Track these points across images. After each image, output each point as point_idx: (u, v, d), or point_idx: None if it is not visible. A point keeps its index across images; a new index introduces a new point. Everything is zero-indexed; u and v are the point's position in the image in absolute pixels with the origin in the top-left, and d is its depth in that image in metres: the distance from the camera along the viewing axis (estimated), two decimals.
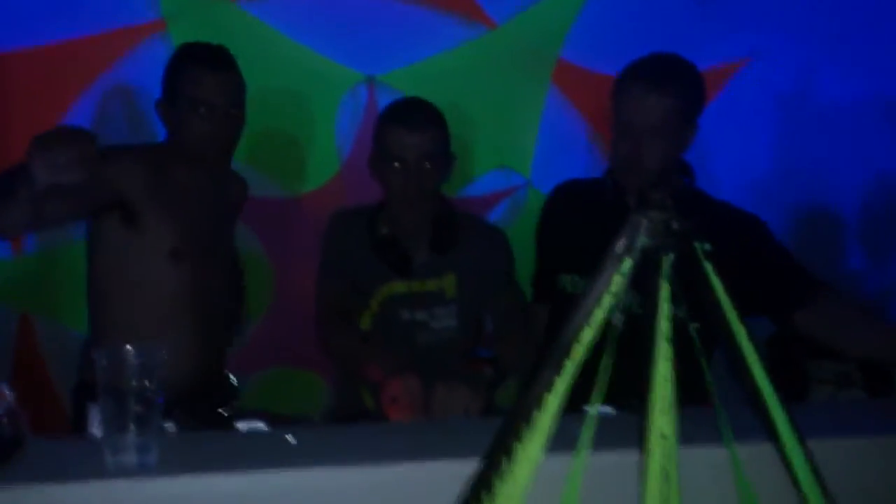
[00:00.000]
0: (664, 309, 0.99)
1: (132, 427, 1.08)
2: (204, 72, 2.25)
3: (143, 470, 1.10)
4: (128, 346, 1.11)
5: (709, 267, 1.01)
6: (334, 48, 3.09)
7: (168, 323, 2.23)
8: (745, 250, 2.03)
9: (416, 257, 2.27)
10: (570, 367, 0.98)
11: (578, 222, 2.28)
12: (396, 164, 2.20)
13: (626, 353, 0.97)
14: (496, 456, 0.98)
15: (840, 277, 3.44)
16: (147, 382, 1.08)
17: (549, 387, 0.98)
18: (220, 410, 2.27)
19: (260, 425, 1.61)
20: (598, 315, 0.98)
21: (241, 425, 1.61)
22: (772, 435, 1.05)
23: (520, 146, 3.32)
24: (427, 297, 2.26)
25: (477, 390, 1.85)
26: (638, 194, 2.12)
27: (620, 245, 0.99)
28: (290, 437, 1.25)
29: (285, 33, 3.06)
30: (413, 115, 2.25)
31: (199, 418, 1.87)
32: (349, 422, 1.87)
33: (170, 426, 1.58)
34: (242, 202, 2.59)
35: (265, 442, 1.29)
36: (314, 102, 3.12)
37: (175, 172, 2.30)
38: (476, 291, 2.29)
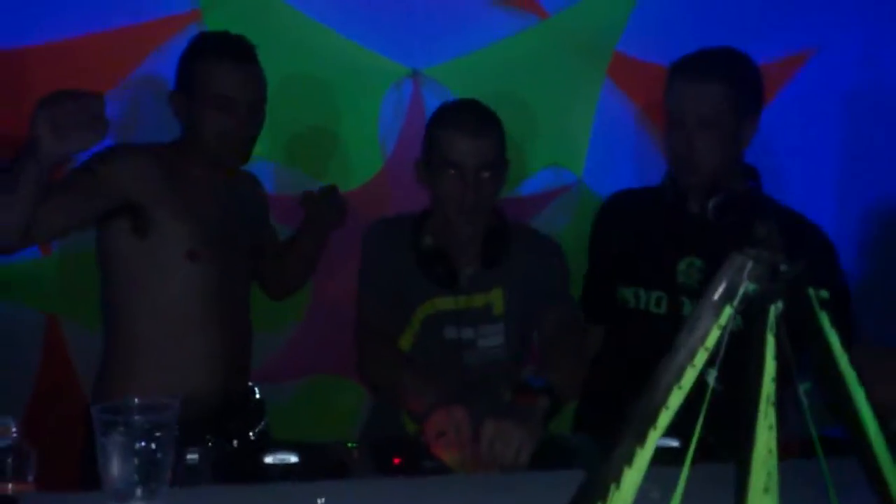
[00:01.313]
0: (769, 367, 0.83)
1: (137, 490, 0.95)
2: (223, 64, 2.14)
3: None
4: (134, 401, 0.97)
5: (825, 318, 0.85)
6: (377, 40, 2.94)
7: (187, 332, 2.11)
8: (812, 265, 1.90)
9: (463, 270, 2.12)
10: (655, 437, 0.82)
11: (636, 232, 2.17)
12: (452, 172, 2.05)
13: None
14: None
15: None
16: (153, 444, 0.94)
17: (629, 459, 0.82)
18: (249, 436, 2.13)
19: (290, 458, 1.49)
20: (690, 374, 0.82)
21: (270, 458, 1.48)
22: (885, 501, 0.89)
23: (573, 143, 3.15)
24: (474, 313, 2.11)
25: (531, 429, 1.69)
26: (702, 198, 2.09)
27: (719, 290, 0.83)
28: (321, 501, 1.11)
29: (326, 24, 2.91)
30: (472, 119, 2.11)
31: (225, 440, 1.74)
32: (389, 448, 1.71)
33: (192, 458, 1.45)
34: (263, 201, 2.47)
35: (294, 502, 1.14)
36: (356, 97, 2.97)
37: (189, 171, 2.18)
38: (526, 307, 2.13)
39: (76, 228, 2.07)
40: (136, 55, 2.82)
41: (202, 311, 2.13)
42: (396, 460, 1.63)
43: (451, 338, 2.10)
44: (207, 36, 2.33)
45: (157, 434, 0.96)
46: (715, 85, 2.00)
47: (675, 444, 1.58)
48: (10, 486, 1.24)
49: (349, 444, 1.64)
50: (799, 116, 3.24)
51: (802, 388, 0.85)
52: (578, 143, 3.13)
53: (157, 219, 2.08)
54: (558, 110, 3.11)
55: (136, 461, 0.94)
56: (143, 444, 0.94)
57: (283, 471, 1.44)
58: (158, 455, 0.96)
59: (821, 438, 0.91)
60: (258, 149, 2.32)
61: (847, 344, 0.83)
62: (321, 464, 1.52)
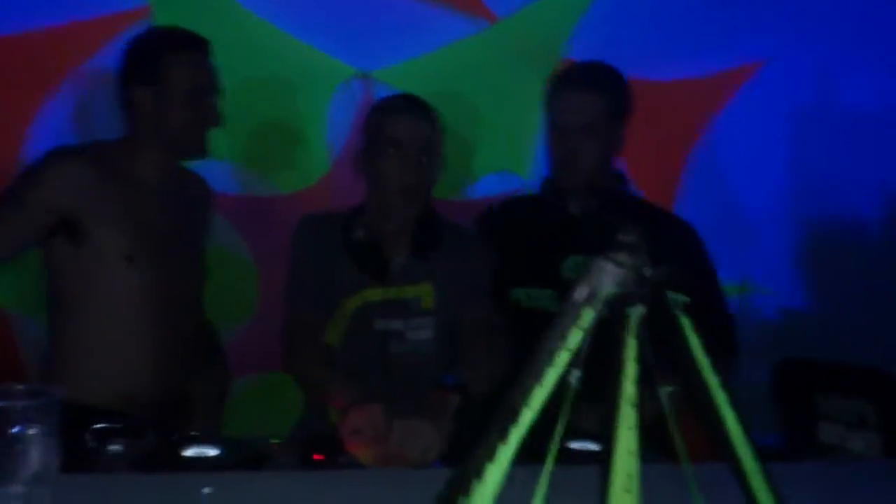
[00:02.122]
0: (630, 370, 0.85)
1: (22, 478, 0.96)
2: (190, 55, 2.18)
3: None
4: (18, 387, 0.98)
5: (686, 322, 0.87)
6: (327, 41, 2.96)
7: (127, 332, 2.12)
8: (681, 262, 2.16)
9: (394, 261, 2.15)
10: (517, 435, 0.84)
11: (521, 236, 2.32)
12: (392, 151, 2.11)
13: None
14: None
15: (860, 294, 3.28)
16: (38, 428, 0.96)
17: (491, 456, 0.84)
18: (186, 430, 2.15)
19: (209, 451, 1.50)
20: (552, 374, 0.84)
21: (190, 451, 1.49)
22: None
23: (520, 147, 3.17)
24: (403, 305, 2.14)
25: (440, 427, 1.72)
26: (581, 200, 2.20)
27: (581, 292, 0.85)
28: (207, 490, 1.12)
29: (276, 24, 2.92)
30: (412, 105, 2.21)
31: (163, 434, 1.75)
32: (311, 445, 1.73)
33: (115, 448, 1.47)
34: (208, 200, 2.46)
35: (177, 491, 1.16)
36: (305, 97, 2.99)
37: (133, 170, 2.19)
38: (454, 304, 2.15)
39: (15, 255, 2.13)
40: (86, 50, 2.83)
41: (142, 312, 2.15)
42: (316, 456, 1.65)
43: (381, 329, 2.12)
44: (161, 29, 2.36)
45: (36, 419, 0.97)
46: (594, 95, 2.22)
47: (594, 447, 1.62)
48: None
49: (273, 440, 1.66)
50: (747, 127, 3.28)
51: (664, 391, 0.88)
52: (525, 148, 3.15)
53: (93, 227, 2.09)
54: (506, 115, 3.13)
55: (19, 446, 0.95)
56: (24, 428, 0.96)
57: (203, 464, 1.46)
58: (44, 441, 0.97)
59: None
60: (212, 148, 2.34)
61: (708, 346, 0.85)
62: (241, 457, 1.53)
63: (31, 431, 0.96)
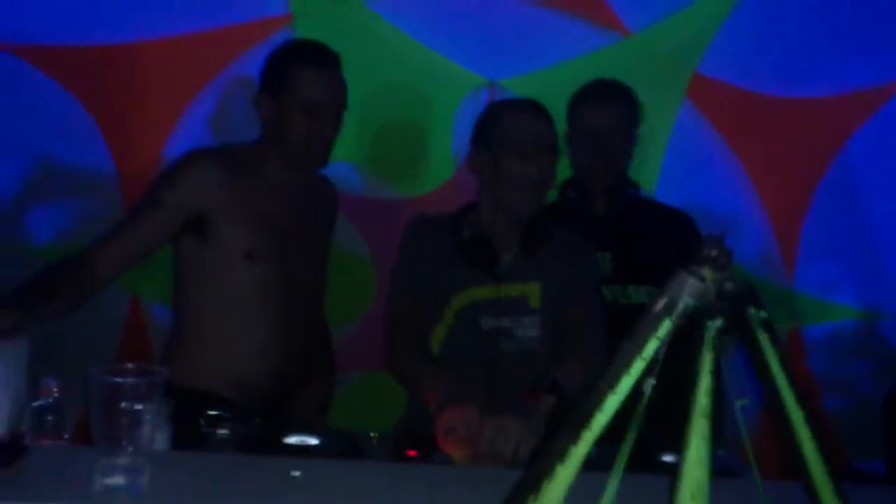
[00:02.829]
0: (705, 382, 0.86)
1: (126, 449, 1.04)
2: (311, 70, 2.26)
3: (131, 494, 1.06)
4: (127, 366, 1.07)
5: (765, 337, 0.88)
6: (458, 50, 3.02)
7: (246, 326, 2.22)
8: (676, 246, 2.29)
9: (503, 258, 2.18)
10: (589, 438, 0.87)
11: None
12: (518, 150, 2.16)
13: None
14: None
15: None
16: (141, 406, 1.04)
17: (562, 456, 0.87)
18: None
19: (310, 440, 1.57)
20: (626, 382, 0.86)
21: (291, 439, 1.56)
22: None
23: (647, 161, 3.15)
24: (511, 303, 2.16)
25: (531, 426, 1.74)
26: (604, 202, 2.47)
27: (660, 303, 0.87)
28: (296, 473, 1.19)
29: (410, 33, 3.01)
30: (534, 106, 2.28)
31: (256, 431, 1.84)
32: (407, 441, 1.78)
33: (223, 432, 1.55)
34: (335, 206, 2.55)
35: (268, 473, 1.22)
36: (434, 105, 3.06)
37: (263, 172, 2.29)
38: (560, 303, 2.17)
39: (154, 251, 2.26)
40: (229, 55, 2.97)
41: (260, 307, 2.24)
42: (410, 452, 1.70)
43: (488, 327, 2.15)
44: (294, 43, 2.45)
45: (142, 396, 1.06)
46: (617, 107, 2.56)
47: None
48: (47, 441, 1.37)
49: (371, 434, 1.71)
50: (884, 149, 3.17)
51: (739, 405, 0.89)
52: (652, 162, 3.13)
53: (218, 224, 2.20)
54: None
55: (125, 419, 1.04)
56: (130, 403, 1.04)
57: (302, 451, 1.53)
58: (143, 415, 1.06)
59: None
60: (339, 151, 2.42)
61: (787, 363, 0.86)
62: (339, 448, 1.59)
63: (138, 407, 1.04)
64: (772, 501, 0.90)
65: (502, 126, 2.21)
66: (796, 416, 0.88)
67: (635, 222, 2.52)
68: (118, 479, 1.06)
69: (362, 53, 2.77)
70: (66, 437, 1.38)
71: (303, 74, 2.24)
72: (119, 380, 1.06)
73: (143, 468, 1.08)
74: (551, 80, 3.04)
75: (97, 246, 2.17)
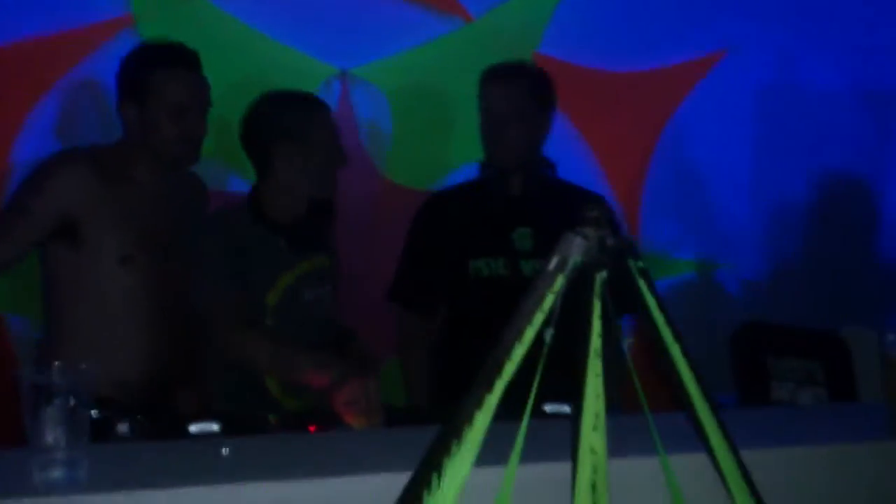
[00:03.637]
0: (595, 326, 0.98)
1: (60, 443, 1.08)
2: (178, 74, 2.27)
3: (70, 486, 1.10)
4: (55, 365, 1.11)
5: (643, 284, 1.01)
6: (306, 41, 3.06)
7: (122, 329, 2.22)
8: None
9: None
10: (500, 385, 0.97)
11: (472, 216, 2.61)
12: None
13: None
14: (426, 472, 0.97)
15: (810, 265, 3.46)
16: (73, 400, 1.08)
17: (479, 404, 0.97)
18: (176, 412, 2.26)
19: (213, 427, 1.62)
20: (530, 333, 0.97)
21: (194, 427, 1.61)
22: (705, 446, 1.05)
23: None
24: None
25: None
26: (519, 181, 2.53)
27: (553, 262, 0.99)
28: (224, 450, 1.25)
29: (256, 27, 3.03)
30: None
31: (153, 420, 1.87)
32: (305, 419, 1.87)
33: (123, 428, 1.59)
34: (204, 201, 2.56)
35: (198, 454, 1.29)
36: None
37: (130, 174, 2.28)
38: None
39: (19, 260, 2.24)
40: (70, 59, 2.91)
41: (137, 310, 2.25)
42: (312, 428, 1.78)
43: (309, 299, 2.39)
44: (151, 45, 2.43)
45: (76, 392, 1.10)
46: (521, 85, 2.57)
47: (566, 409, 1.76)
48: None
49: (269, 416, 1.78)
50: (712, 115, 3.43)
51: (625, 343, 1.02)
52: None
53: (90, 230, 2.19)
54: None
55: (58, 416, 1.08)
56: (63, 400, 1.08)
57: (206, 438, 1.58)
58: (78, 410, 1.10)
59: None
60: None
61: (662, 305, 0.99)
62: (242, 432, 1.65)
63: (70, 402, 1.08)
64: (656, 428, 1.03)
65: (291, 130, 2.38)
66: (674, 350, 1.02)
67: (552, 200, 2.58)
68: (57, 473, 1.09)
69: (210, 50, 2.76)
70: None
71: (166, 77, 2.24)
72: (49, 378, 1.10)
73: (80, 461, 1.11)
74: (401, 67, 3.15)
75: None
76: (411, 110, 3.19)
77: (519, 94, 2.57)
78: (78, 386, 1.10)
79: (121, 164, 2.28)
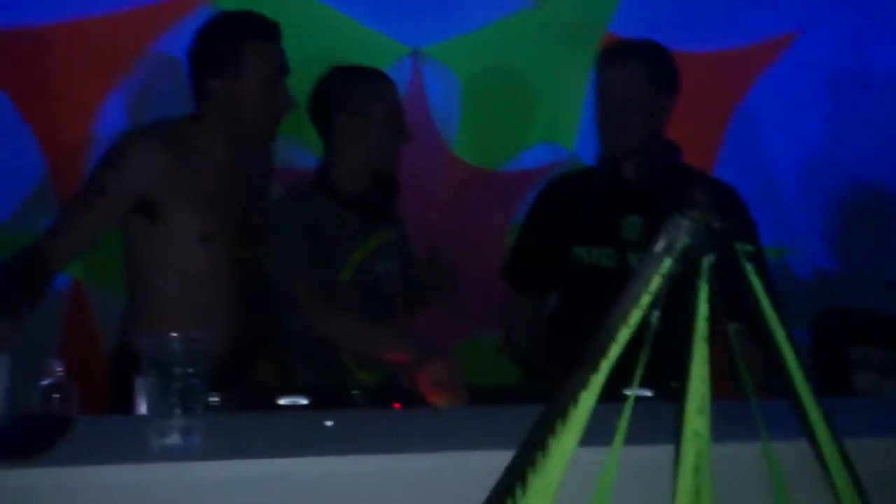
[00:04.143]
0: (702, 309, 0.99)
1: (177, 411, 1.12)
2: (266, 44, 2.23)
3: (187, 452, 1.14)
4: (172, 334, 1.14)
5: (749, 268, 1.01)
6: (379, 20, 3.07)
7: (202, 303, 2.24)
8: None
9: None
10: (606, 366, 0.98)
11: (582, 201, 2.46)
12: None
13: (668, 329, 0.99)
14: (531, 450, 0.99)
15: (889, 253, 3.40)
16: (190, 368, 1.11)
17: (585, 384, 0.99)
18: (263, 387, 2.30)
19: (301, 401, 1.65)
20: (636, 314, 0.98)
21: (283, 401, 1.65)
22: (808, 434, 1.05)
23: (565, 120, 3.29)
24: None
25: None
26: (634, 166, 2.38)
27: (660, 244, 0.99)
28: (328, 423, 1.28)
29: (330, 4, 3.05)
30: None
31: (245, 396, 1.91)
32: (389, 396, 1.89)
33: (214, 400, 1.62)
34: (272, 169, 2.54)
35: (304, 425, 1.32)
36: None
37: (205, 150, 2.26)
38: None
39: (98, 239, 2.25)
40: (149, 35, 2.96)
41: (217, 285, 2.26)
42: (397, 405, 1.81)
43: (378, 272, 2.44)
44: (234, 15, 2.35)
45: (192, 361, 1.13)
46: (638, 68, 2.37)
47: (648, 394, 1.77)
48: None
49: (354, 391, 1.81)
50: (782, 97, 3.38)
51: (732, 329, 1.02)
52: (571, 120, 3.27)
53: (168, 208, 2.19)
54: (552, 88, 3.25)
55: (176, 384, 1.11)
56: (181, 368, 1.12)
57: (296, 411, 1.62)
58: (191, 378, 1.13)
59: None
60: None
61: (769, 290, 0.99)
62: (329, 406, 1.68)
63: (188, 370, 1.11)
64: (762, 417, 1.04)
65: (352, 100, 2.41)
66: (780, 334, 1.02)
67: (669, 187, 2.30)
68: (174, 439, 1.13)
69: (284, 26, 2.78)
70: (73, 413, 1.43)
71: (252, 49, 2.20)
72: (168, 347, 1.13)
73: (195, 428, 1.15)
74: (472, 46, 3.15)
75: (46, 240, 2.15)
76: (482, 89, 3.19)
77: (633, 77, 2.38)
78: (195, 354, 1.13)
79: (195, 138, 2.26)
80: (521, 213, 2.70)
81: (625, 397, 1.67)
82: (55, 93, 2.91)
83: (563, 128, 3.28)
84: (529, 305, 2.56)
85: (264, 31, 2.24)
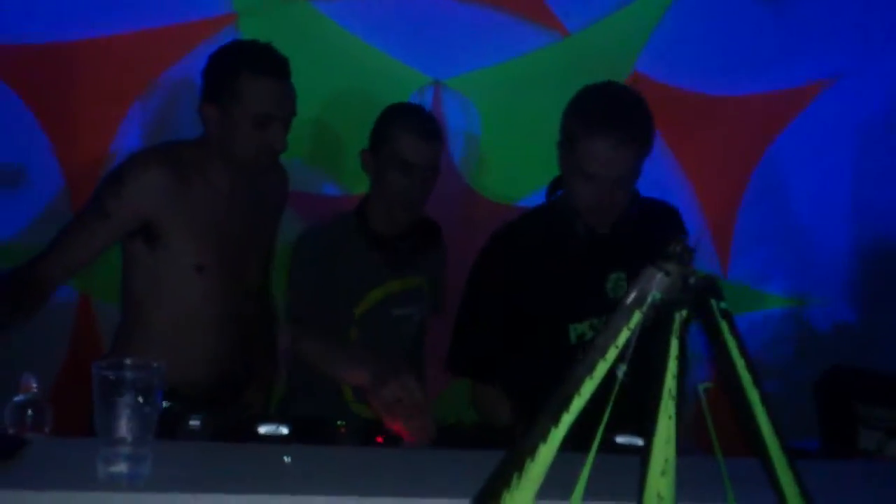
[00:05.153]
0: (672, 367, 0.95)
1: (126, 439, 1.09)
2: (266, 82, 2.18)
3: (133, 482, 1.11)
4: (126, 361, 1.12)
5: (725, 326, 0.97)
6: (402, 50, 3.07)
7: (194, 329, 2.24)
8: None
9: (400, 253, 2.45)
10: (568, 420, 0.94)
11: (558, 259, 2.21)
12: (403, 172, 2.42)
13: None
14: (484, 503, 0.95)
15: None
16: (142, 398, 1.09)
17: (545, 437, 0.95)
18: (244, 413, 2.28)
19: (282, 430, 1.63)
20: (602, 367, 0.94)
21: (263, 429, 1.62)
22: (780, 499, 1.00)
23: None
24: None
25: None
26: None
27: (631, 296, 0.96)
28: (286, 458, 1.25)
29: (354, 33, 3.05)
30: (430, 126, 2.48)
31: (226, 421, 1.88)
32: (374, 428, 1.85)
33: (195, 423, 1.60)
34: (285, 196, 2.54)
35: (261, 461, 1.29)
36: (379, 103, 3.09)
37: (208, 177, 2.26)
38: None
39: (96, 258, 2.27)
40: (172, 55, 2.97)
41: (209, 313, 2.26)
42: (379, 439, 1.76)
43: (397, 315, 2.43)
44: (240, 46, 2.34)
45: (145, 389, 1.11)
46: (631, 149, 2.09)
47: (639, 442, 1.72)
48: (28, 434, 1.40)
49: (338, 423, 1.77)
50: (813, 144, 3.32)
51: (701, 387, 0.97)
52: None
53: (167, 234, 2.19)
54: None
55: (126, 411, 1.09)
56: (132, 396, 1.09)
57: (274, 440, 1.59)
58: (143, 406, 1.11)
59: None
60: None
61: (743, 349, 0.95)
62: (310, 436, 1.65)
63: (139, 399, 1.09)
64: (731, 476, 0.99)
65: (392, 139, 2.40)
66: (753, 395, 0.97)
67: (634, 231, 2.18)
68: (121, 467, 1.11)
69: (307, 53, 2.80)
70: (46, 430, 1.41)
71: (253, 86, 2.16)
72: (120, 373, 1.11)
73: (145, 457, 1.13)
74: (494, 79, 3.13)
75: (43, 257, 2.16)
76: (503, 123, 3.18)
77: (627, 156, 2.09)
78: (148, 382, 1.11)
79: (199, 163, 2.25)
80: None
81: (614, 445, 1.64)
82: (77, 109, 2.94)
83: None
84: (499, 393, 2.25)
85: (264, 65, 2.20)
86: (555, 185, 2.29)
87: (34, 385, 1.41)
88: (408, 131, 2.39)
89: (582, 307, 2.17)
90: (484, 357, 2.24)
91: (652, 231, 2.15)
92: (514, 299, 2.20)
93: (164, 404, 1.50)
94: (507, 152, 3.19)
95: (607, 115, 2.10)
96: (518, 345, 2.20)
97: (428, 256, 2.51)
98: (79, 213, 2.29)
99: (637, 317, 0.95)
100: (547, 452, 0.94)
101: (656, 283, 0.95)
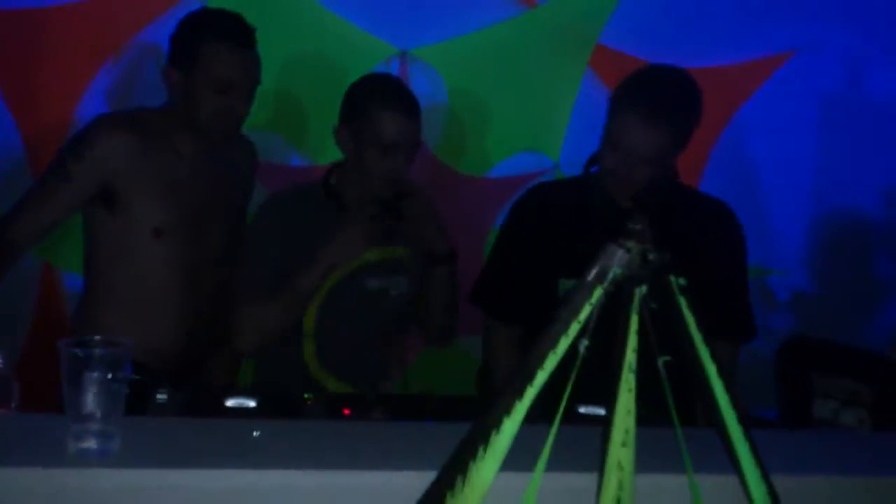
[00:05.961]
0: (632, 341, 0.98)
1: (95, 415, 1.10)
2: (225, 47, 2.18)
3: (103, 458, 1.12)
4: (95, 338, 1.13)
5: (683, 301, 1.00)
6: (369, 20, 3.06)
7: (155, 297, 2.23)
8: (714, 249, 2.23)
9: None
10: (531, 393, 0.97)
11: (571, 225, 2.23)
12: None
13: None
14: (451, 474, 0.98)
15: (868, 285, 3.39)
16: (111, 374, 1.10)
17: (508, 410, 0.97)
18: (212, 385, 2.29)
19: (249, 402, 1.64)
20: (564, 342, 0.97)
21: (231, 402, 1.63)
22: (736, 469, 1.04)
23: (551, 129, 3.27)
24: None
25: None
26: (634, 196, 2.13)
27: (592, 273, 0.98)
28: (255, 433, 1.27)
29: (321, 3, 3.04)
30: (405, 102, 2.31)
31: (192, 391, 1.89)
32: (341, 401, 1.87)
33: (161, 397, 1.61)
34: (252, 167, 2.52)
35: (230, 434, 1.30)
36: (345, 73, 3.08)
37: (171, 144, 2.25)
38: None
39: (59, 224, 2.26)
40: (137, 22, 2.95)
41: (170, 280, 2.25)
42: (346, 411, 1.79)
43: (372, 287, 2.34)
44: (206, 14, 2.37)
45: (113, 366, 1.12)
46: (663, 132, 2.09)
47: (601, 412, 1.76)
48: None
49: (305, 395, 1.79)
50: (775, 116, 3.36)
51: (661, 361, 1.00)
52: (557, 130, 3.25)
53: (126, 198, 2.18)
54: (539, 96, 3.23)
55: (94, 388, 1.10)
56: (100, 373, 1.10)
57: (242, 413, 1.60)
58: (114, 385, 1.12)
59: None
60: (255, 118, 2.40)
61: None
62: (277, 409, 1.67)
63: (108, 376, 1.10)
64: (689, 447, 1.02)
65: (370, 118, 2.25)
66: (710, 369, 1.00)
67: (669, 215, 2.05)
68: (90, 444, 1.12)
69: (274, 22, 2.77)
70: (13, 406, 1.42)
71: (215, 51, 2.17)
72: (88, 351, 1.12)
73: (113, 434, 1.14)
74: (461, 50, 3.13)
75: (6, 222, 2.16)
76: (469, 94, 3.18)
77: (659, 139, 2.09)
78: (117, 358, 1.12)
79: (163, 130, 2.25)
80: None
81: (577, 415, 1.67)
82: (38, 75, 2.91)
83: (549, 137, 3.26)
84: (507, 332, 2.34)
85: (229, 33, 2.20)
86: (592, 161, 2.29)
87: (0, 360, 1.41)
88: (387, 110, 2.23)
89: (578, 267, 2.20)
90: (501, 293, 2.33)
91: (692, 223, 2.22)
92: (539, 251, 2.26)
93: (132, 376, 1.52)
94: (474, 123, 3.20)
95: (642, 91, 2.12)
96: (537, 298, 2.23)
97: (413, 226, 2.39)
98: (41, 177, 2.27)
99: (598, 292, 0.97)
100: (511, 425, 0.97)
101: (617, 260, 0.97)
